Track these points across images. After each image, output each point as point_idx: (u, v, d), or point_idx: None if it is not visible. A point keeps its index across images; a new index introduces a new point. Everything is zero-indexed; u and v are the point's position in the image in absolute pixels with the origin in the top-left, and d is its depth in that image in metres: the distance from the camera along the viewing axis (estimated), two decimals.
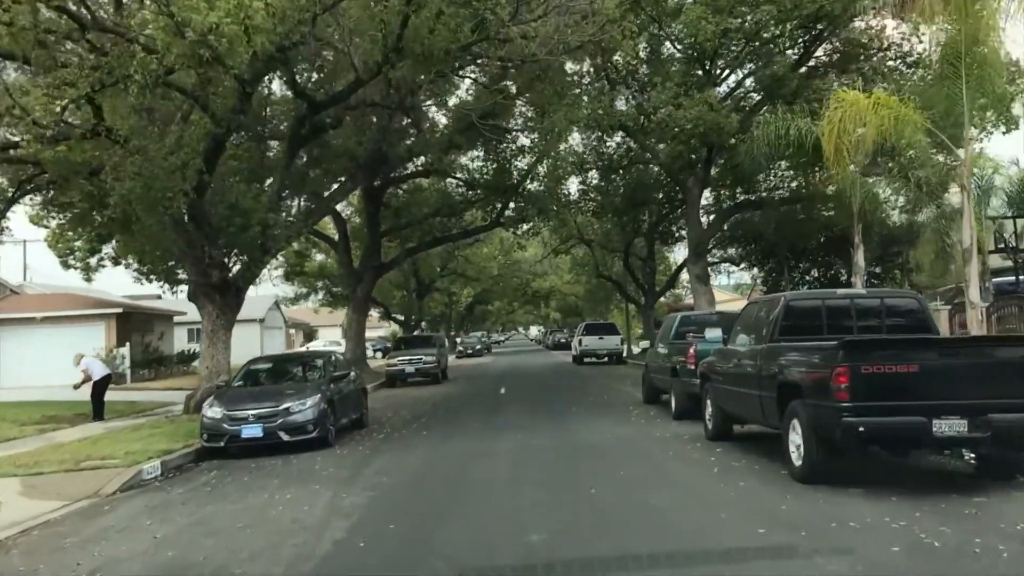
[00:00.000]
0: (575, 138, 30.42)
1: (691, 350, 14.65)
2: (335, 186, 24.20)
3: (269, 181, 20.55)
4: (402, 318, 51.53)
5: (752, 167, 24.13)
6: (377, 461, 12.24)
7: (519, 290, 74.06)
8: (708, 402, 12.41)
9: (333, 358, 16.28)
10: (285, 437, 13.51)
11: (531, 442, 13.40)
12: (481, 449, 13.00)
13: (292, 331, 63.36)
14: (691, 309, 67.18)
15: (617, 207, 33.78)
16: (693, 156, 24.09)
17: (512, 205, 33.16)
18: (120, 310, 35.17)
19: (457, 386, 28.92)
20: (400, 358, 30.79)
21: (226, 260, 17.42)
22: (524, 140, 27.86)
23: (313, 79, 19.23)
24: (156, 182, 14.47)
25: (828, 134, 15.75)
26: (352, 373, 16.72)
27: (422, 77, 17.34)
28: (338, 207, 34.61)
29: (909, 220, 27.36)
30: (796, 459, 8.91)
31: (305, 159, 22.05)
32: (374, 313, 54.88)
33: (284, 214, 17.73)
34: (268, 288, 46.00)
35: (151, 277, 19.70)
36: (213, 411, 13.80)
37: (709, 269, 34.70)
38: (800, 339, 9.82)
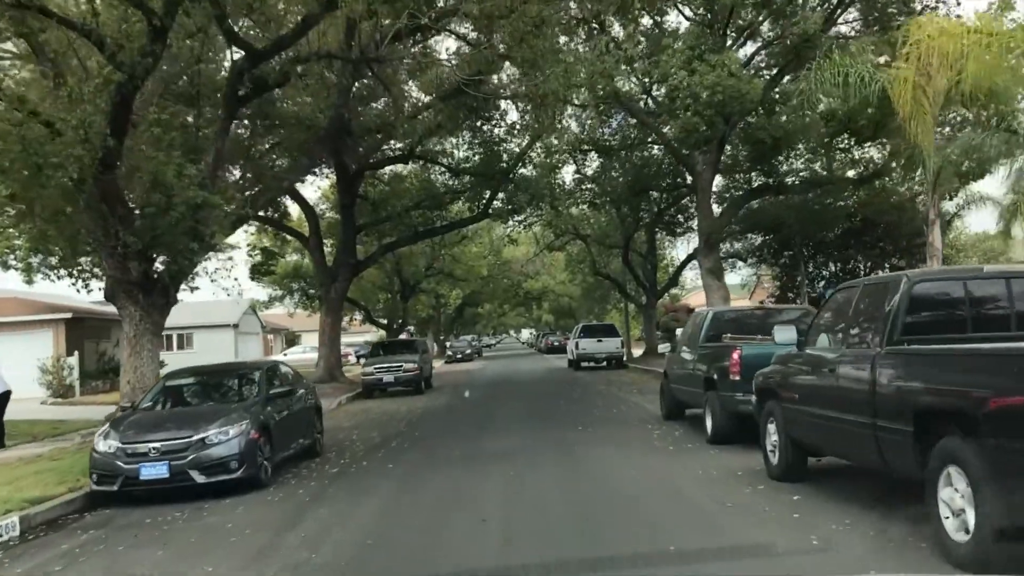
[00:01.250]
0: (571, 121, 27.21)
1: (734, 356, 11.33)
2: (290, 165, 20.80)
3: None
4: (385, 321, 48.04)
5: (790, 134, 20.82)
6: (315, 514, 8.85)
7: (510, 291, 70.76)
8: (771, 427, 9.07)
9: (277, 370, 12.85)
10: (199, 478, 10.12)
11: (528, 481, 10.04)
12: (461, 493, 9.63)
13: (271, 337, 59.81)
14: (691, 309, 64.08)
15: (617, 195, 30.47)
16: (708, 130, 20.73)
17: (502, 195, 29.85)
18: (69, 315, 31.66)
19: (441, 397, 25.52)
20: (377, 366, 27.39)
21: (148, 250, 13.96)
22: (514, 115, 24.55)
23: (250, 24, 15.78)
24: (39, 146, 11.08)
25: (899, 83, 12.41)
26: (301, 389, 13.32)
27: (387, 22, 13.99)
28: (311, 200, 31.31)
29: None
30: (956, 531, 5.58)
31: (250, 131, 18.61)
32: (357, 316, 51.36)
33: (221, 195, 14.24)
34: (237, 290, 42.48)
35: (60, 273, 16.18)
36: (107, 443, 10.37)
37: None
38: (938, 339, 6.52)
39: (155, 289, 14.91)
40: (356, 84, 16.53)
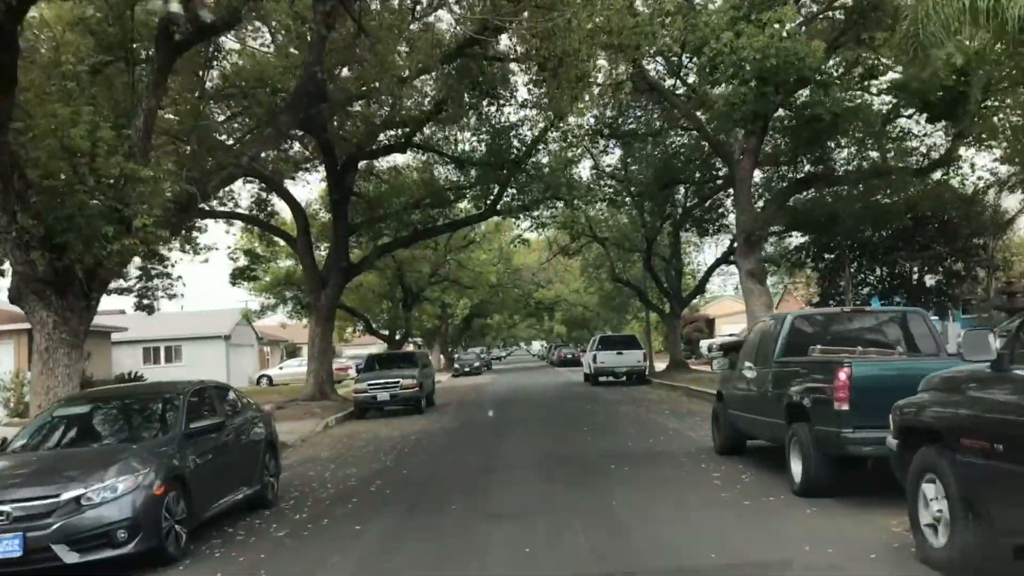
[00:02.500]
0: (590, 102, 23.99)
1: (841, 376, 8.03)
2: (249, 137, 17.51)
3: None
4: (387, 333, 44.81)
5: (850, 113, 17.55)
6: None
7: (520, 301, 67.53)
8: (930, 489, 5.79)
9: (207, 394, 9.57)
10: (68, 556, 6.91)
11: (548, 560, 6.79)
12: None
13: (267, 349, 56.63)
14: (710, 320, 60.58)
15: (641, 190, 27.17)
16: (756, 104, 17.48)
17: (512, 189, 26.65)
18: (28, 325, 28.43)
19: (443, 418, 22.23)
20: (371, 382, 24.15)
21: (53, 237, 10.75)
22: (525, 93, 21.31)
23: None
24: None
25: None
26: (246, 420, 10.06)
27: None
28: (299, 198, 28.16)
29: None
30: None
31: (198, 91, 15.38)
32: (361, 327, 48.03)
33: (152, 168, 11.02)
34: (229, 299, 39.52)
35: None
36: None
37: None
38: None
39: (71, 289, 11.71)
40: (332, 35, 13.43)
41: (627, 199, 31.77)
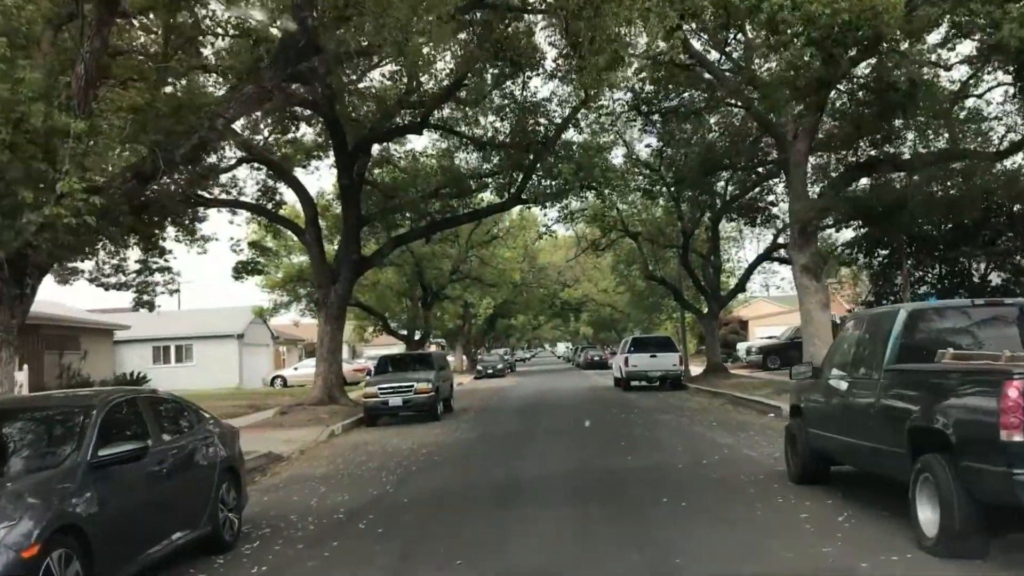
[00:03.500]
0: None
1: (1011, 394, 5.63)
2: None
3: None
4: (405, 333, 42.58)
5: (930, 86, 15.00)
6: None
7: (545, 301, 65.22)
8: None
9: (126, 409, 7.19)
10: None
11: None
12: None
13: (283, 348, 54.64)
14: (744, 323, 57.70)
15: (681, 176, 24.69)
16: (824, 68, 15.04)
17: (538, 176, 24.30)
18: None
19: (460, 427, 19.93)
20: (382, 386, 21.91)
21: None
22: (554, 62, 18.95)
23: None
24: None
25: None
26: (188, 440, 7.77)
27: None
28: (308, 186, 25.98)
29: None
30: None
31: (164, 41, 13.15)
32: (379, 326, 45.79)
33: (90, 121, 8.78)
34: (245, 296, 37.51)
35: None
36: None
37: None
38: None
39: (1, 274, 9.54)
40: None
41: (663, 189, 29.31)
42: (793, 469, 9.83)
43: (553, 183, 23.61)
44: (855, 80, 18.30)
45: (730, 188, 29.48)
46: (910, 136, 22.06)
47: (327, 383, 24.76)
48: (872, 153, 21.11)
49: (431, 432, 18.80)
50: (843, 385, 8.67)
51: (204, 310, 50.43)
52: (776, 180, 26.79)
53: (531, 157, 22.48)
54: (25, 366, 24.86)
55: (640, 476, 10.90)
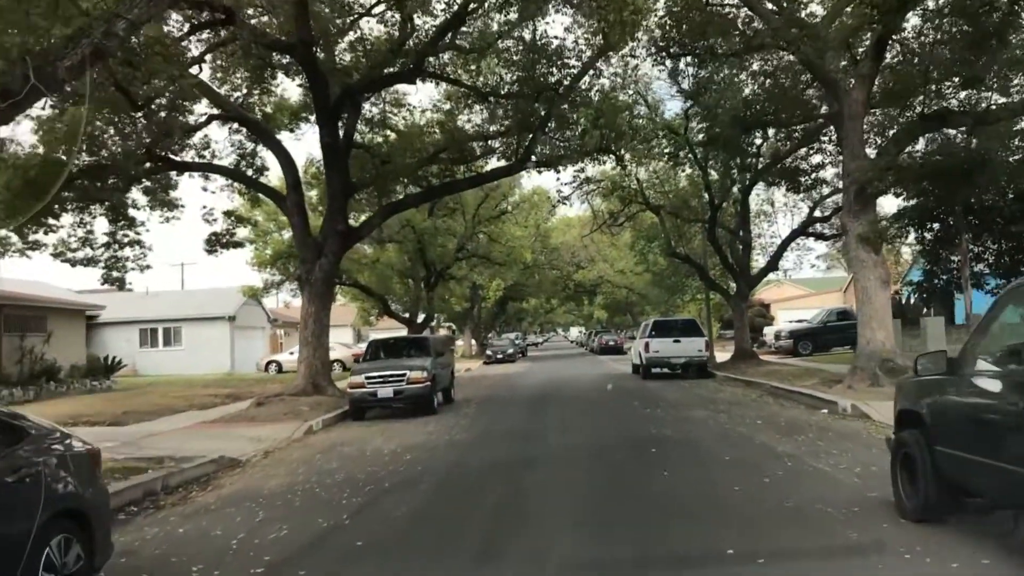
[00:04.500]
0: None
1: None
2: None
3: None
4: (407, 315, 39.72)
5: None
6: None
7: (558, 283, 62.29)
8: None
9: None
10: None
11: None
12: None
13: (280, 332, 51.89)
14: (766, 306, 54.46)
15: (715, 134, 21.63)
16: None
17: (549, 134, 21.29)
18: None
19: (458, 423, 17.03)
20: (369, 374, 19.11)
21: None
22: None
23: None
24: None
25: None
26: None
27: None
28: (296, 153, 23.09)
29: None
30: None
31: None
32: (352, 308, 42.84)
33: None
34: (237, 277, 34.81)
35: None
36: None
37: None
38: None
39: None
40: None
41: (689, 155, 26.25)
42: (910, 501, 6.89)
43: (567, 138, 20.55)
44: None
45: (768, 148, 26.30)
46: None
47: (311, 370, 21.97)
48: (940, 104, 17.97)
49: (423, 430, 15.97)
50: (997, 385, 5.77)
51: (194, 291, 47.89)
52: (825, 140, 23.67)
53: (542, 111, 19.47)
54: None
55: (686, 505, 8.00)
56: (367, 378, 18.95)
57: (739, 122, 20.55)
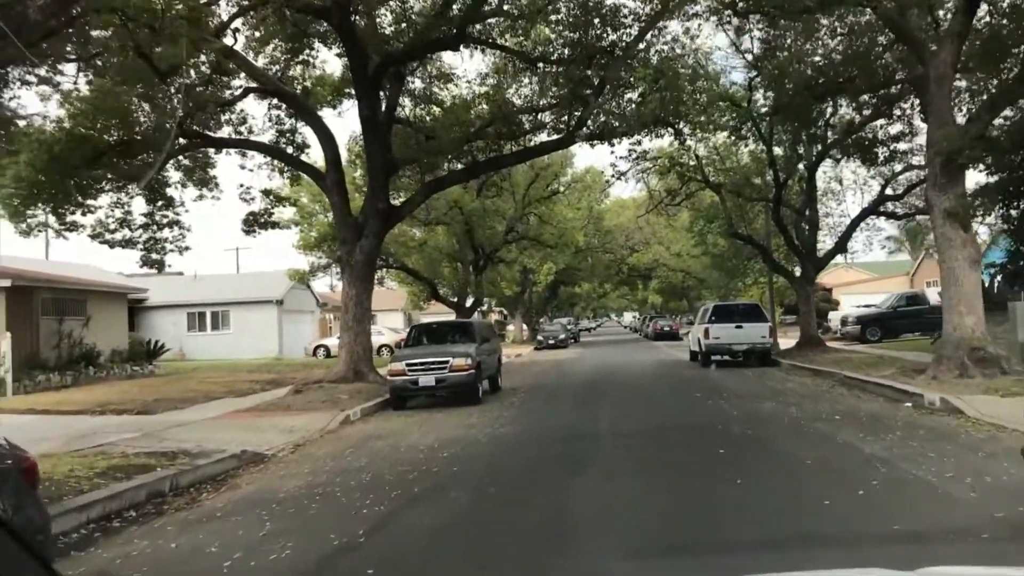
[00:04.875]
0: None
1: None
2: None
3: None
4: (456, 300, 38.63)
5: None
6: None
7: (612, 267, 60.75)
8: None
9: None
10: None
11: None
12: None
13: (330, 316, 51.24)
14: (828, 290, 52.09)
15: (786, 102, 19.94)
16: None
17: (603, 105, 19.82)
18: (9, 283, 23.22)
19: (502, 415, 15.76)
20: (410, 361, 17.98)
21: None
22: None
23: None
24: None
25: None
26: None
27: None
28: (339, 132, 22.02)
29: None
30: None
31: None
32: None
33: None
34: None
35: None
36: None
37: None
38: None
39: None
40: None
41: (753, 128, 24.54)
42: None
43: (623, 107, 19.02)
44: None
45: (840, 119, 24.43)
46: None
47: (352, 356, 20.97)
48: None
49: (465, 422, 14.78)
50: None
51: (243, 274, 47.46)
52: (906, 106, 21.79)
53: (596, 78, 17.99)
54: (8, 333, 21.69)
55: (768, 529, 6.59)
56: (408, 365, 17.83)
57: (809, 88, 18.82)
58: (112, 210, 23.36)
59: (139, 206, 24.01)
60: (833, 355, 24.75)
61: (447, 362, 17.78)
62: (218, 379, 24.34)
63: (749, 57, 23.86)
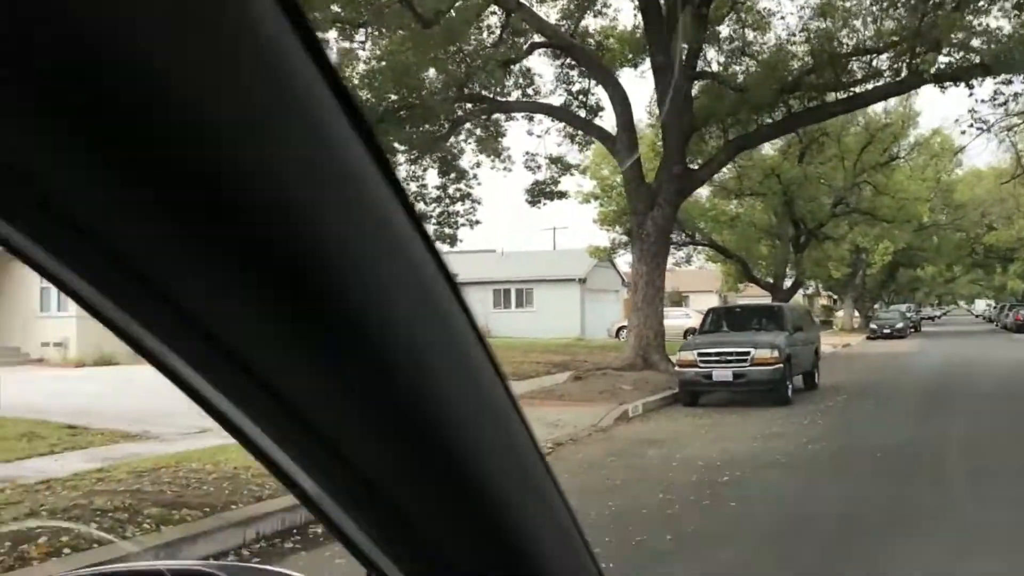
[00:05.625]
0: None
1: None
2: None
3: None
4: (772, 280, 34.67)
5: None
6: None
7: (963, 248, 52.51)
8: None
9: None
10: None
11: None
12: None
13: None
14: None
15: None
16: None
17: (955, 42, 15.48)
18: None
19: (815, 426, 12.49)
20: (703, 350, 15.19)
21: None
22: None
23: None
24: None
25: None
26: None
27: None
28: (632, 87, 19.66)
29: None
30: None
31: None
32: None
33: None
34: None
35: None
36: None
37: None
38: None
39: None
40: None
41: None
42: None
43: (988, 31, 14.57)
44: None
45: None
46: None
47: (641, 341, 18.64)
48: None
49: (765, 430, 11.83)
50: None
51: (547, 252, 46.79)
52: None
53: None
54: None
55: None
56: (700, 355, 15.08)
57: None
58: (407, 183, 23.02)
59: (432, 179, 23.51)
60: None
61: (748, 353, 14.79)
62: (508, 358, 23.16)
63: None
